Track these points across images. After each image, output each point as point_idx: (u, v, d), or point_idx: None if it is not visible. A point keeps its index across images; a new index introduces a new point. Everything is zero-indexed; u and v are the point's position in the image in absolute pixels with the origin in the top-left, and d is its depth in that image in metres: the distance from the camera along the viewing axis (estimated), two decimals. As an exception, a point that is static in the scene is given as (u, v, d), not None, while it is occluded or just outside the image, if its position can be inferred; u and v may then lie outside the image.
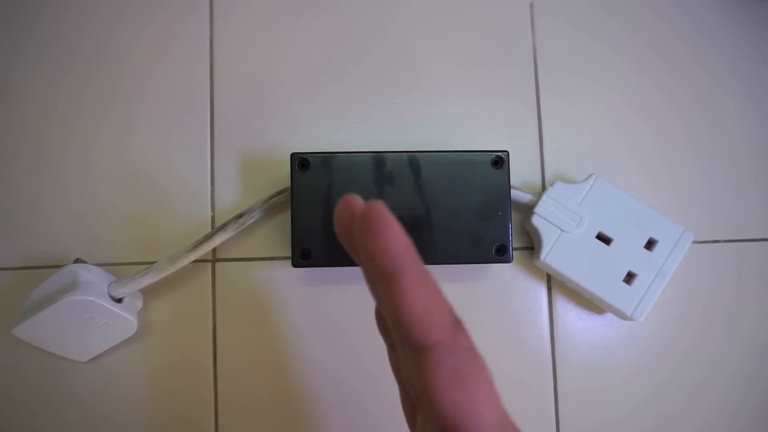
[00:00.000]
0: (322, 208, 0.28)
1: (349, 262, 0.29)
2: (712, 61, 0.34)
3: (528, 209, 0.30)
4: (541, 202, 0.30)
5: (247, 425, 0.30)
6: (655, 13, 0.34)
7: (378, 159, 0.28)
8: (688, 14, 0.34)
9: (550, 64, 0.33)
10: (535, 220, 0.30)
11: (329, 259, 0.28)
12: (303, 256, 0.28)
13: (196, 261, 0.30)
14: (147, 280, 0.28)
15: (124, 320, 0.28)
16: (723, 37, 0.34)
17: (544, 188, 0.32)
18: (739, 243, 0.33)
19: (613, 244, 0.30)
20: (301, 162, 0.28)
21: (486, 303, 0.31)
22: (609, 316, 0.32)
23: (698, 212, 0.33)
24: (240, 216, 0.29)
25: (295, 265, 0.28)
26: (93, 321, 0.28)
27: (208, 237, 0.29)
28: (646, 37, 0.34)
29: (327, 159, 0.28)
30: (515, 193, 0.30)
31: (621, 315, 0.30)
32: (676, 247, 0.30)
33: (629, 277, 0.29)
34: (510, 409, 0.32)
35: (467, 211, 0.29)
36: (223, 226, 0.29)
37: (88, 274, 0.28)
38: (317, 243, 0.28)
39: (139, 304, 0.30)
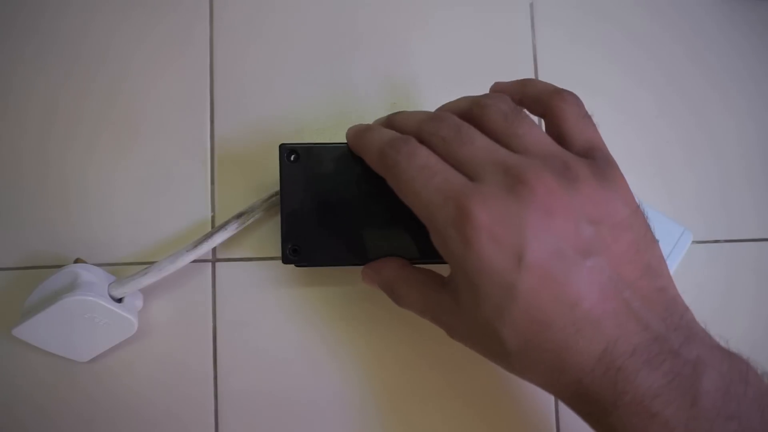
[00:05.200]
0: (312, 202, 0.27)
1: (340, 260, 0.28)
2: (709, 62, 0.34)
3: (528, 209, 0.30)
4: (541, 202, 0.30)
5: (247, 425, 0.30)
6: (652, 14, 0.34)
7: None
8: (686, 16, 0.34)
9: (550, 63, 0.33)
10: (535, 220, 0.30)
11: (320, 256, 0.27)
12: (293, 252, 0.27)
13: (196, 261, 0.30)
14: (147, 280, 0.28)
15: (124, 320, 0.28)
16: (720, 39, 0.34)
17: (544, 188, 0.32)
18: (739, 243, 0.33)
19: (613, 244, 0.29)
20: (289, 153, 0.27)
21: (486, 303, 0.31)
22: (609, 316, 0.32)
23: (698, 212, 0.33)
24: (240, 216, 0.29)
25: (285, 261, 0.27)
26: (93, 321, 0.28)
27: (208, 236, 0.29)
28: (645, 38, 0.34)
29: (318, 150, 0.27)
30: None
31: (621, 315, 0.29)
32: (676, 247, 0.30)
33: (629, 277, 0.29)
34: (509, 409, 0.32)
35: None
36: (223, 226, 0.29)
37: (88, 274, 0.28)
38: (307, 239, 0.27)
39: (139, 304, 0.30)
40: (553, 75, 0.33)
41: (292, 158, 0.27)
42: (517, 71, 0.33)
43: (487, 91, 0.33)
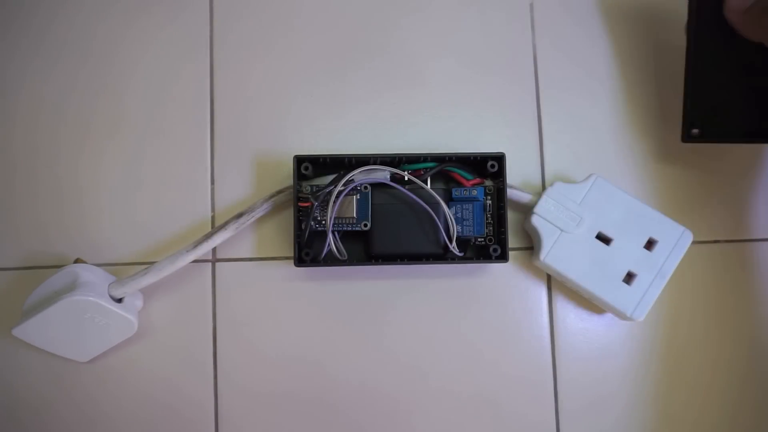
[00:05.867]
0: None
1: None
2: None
3: (528, 209, 0.30)
4: (540, 202, 0.30)
5: (247, 425, 0.30)
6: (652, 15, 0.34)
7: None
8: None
9: (550, 63, 0.33)
10: (535, 220, 0.30)
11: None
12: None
13: (196, 261, 0.30)
14: (147, 280, 0.28)
15: (124, 320, 0.28)
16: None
17: (544, 188, 0.32)
18: (739, 243, 0.33)
19: (612, 244, 0.30)
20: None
21: (486, 303, 0.31)
22: (609, 316, 0.32)
23: (698, 212, 0.33)
24: (240, 215, 0.29)
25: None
26: (93, 321, 0.28)
27: (207, 236, 0.29)
28: (645, 38, 0.34)
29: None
30: (515, 193, 0.30)
31: (621, 315, 0.30)
32: (676, 247, 0.30)
33: (629, 277, 0.29)
34: (510, 409, 0.32)
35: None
36: (223, 226, 0.29)
37: (88, 274, 0.28)
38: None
39: (139, 304, 0.30)
40: (553, 75, 0.33)
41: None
42: (517, 71, 0.33)
43: (489, 94, 0.33)
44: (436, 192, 0.28)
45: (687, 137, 0.30)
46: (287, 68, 0.33)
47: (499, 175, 0.29)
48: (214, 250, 0.31)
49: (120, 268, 0.31)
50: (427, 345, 0.31)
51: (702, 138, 0.30)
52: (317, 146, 0.32)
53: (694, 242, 0.30)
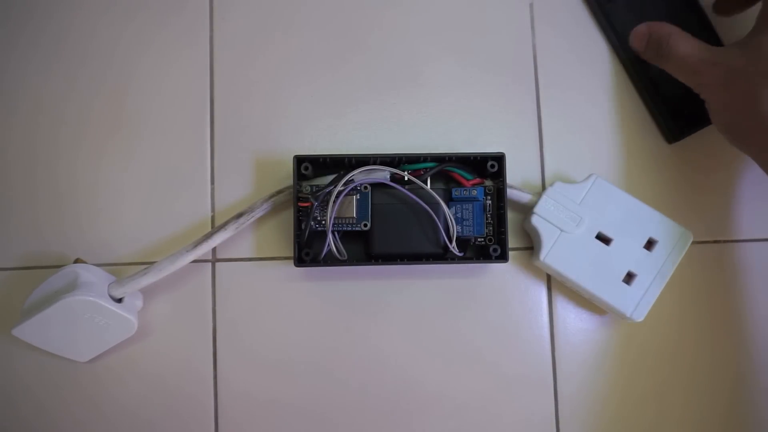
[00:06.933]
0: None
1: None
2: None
3: (528, 209, 0.30)
4: (540, 202, 0.30)
5: (247, 426, 0.30)
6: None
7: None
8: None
9: (550, 63, 0.33)
10: (535, 220, 0.30)
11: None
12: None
13: (196, 261, 0.30)
14: (147, 280, 0.28)
15: (124, 320, 0.28)
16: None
17: (543, 188, 0.32)
18: (738, 243, 0.33)
19: (612, 244, 0.30)
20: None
21: (486, 303, 0.31)
22: (609, 316, 0.32)
23: (698, 212, 0.33)
24: (240, 215, 0.29)
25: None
26: (93, 321, 0.28)
27: (207, 236, 0.29)
28: (646, 37, 0.34)
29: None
30: (515, 193, 0.30)
31: (621, 315, 0.30)
32: (675, 247, 0.30)
33: (629, 278, 0.29)
34: (509, 409, 0.32)
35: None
36: (223, 226, 0.29)
37: (88, 274, 0.28)
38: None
39: (139, 304, 0.30)
40: (553, 75, 0.33)
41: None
42: (517, 71, 0.33)
43: (489, 94, 0.33)
44: (436, 192, 0.28)
45: (673, 137, 0.32)
46: (287, 68, 0.33)
47: (499, 175, 0.29)
48: (213, 250, 0.31)
49: (120, 268, 0.31)
50: (427, 345, 0.31)
51: (686, 131, 0.32)
52: (317, 146, 0.32)
53: (694, 242, 0.30)
